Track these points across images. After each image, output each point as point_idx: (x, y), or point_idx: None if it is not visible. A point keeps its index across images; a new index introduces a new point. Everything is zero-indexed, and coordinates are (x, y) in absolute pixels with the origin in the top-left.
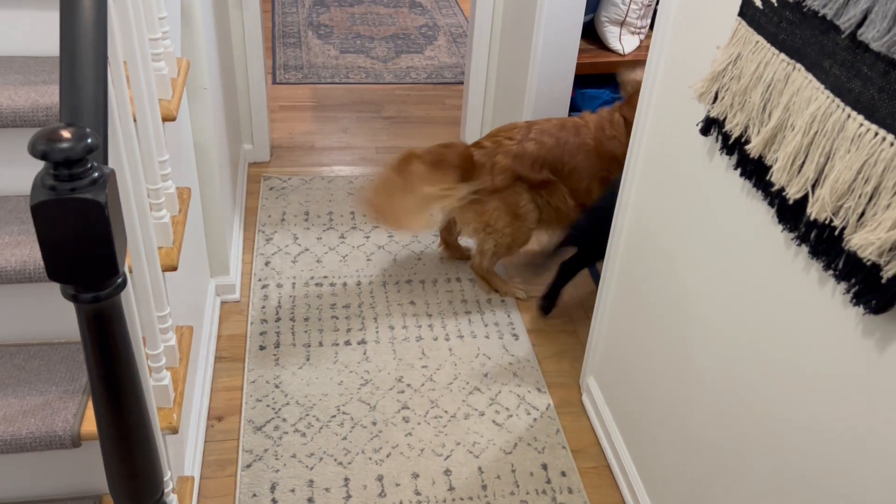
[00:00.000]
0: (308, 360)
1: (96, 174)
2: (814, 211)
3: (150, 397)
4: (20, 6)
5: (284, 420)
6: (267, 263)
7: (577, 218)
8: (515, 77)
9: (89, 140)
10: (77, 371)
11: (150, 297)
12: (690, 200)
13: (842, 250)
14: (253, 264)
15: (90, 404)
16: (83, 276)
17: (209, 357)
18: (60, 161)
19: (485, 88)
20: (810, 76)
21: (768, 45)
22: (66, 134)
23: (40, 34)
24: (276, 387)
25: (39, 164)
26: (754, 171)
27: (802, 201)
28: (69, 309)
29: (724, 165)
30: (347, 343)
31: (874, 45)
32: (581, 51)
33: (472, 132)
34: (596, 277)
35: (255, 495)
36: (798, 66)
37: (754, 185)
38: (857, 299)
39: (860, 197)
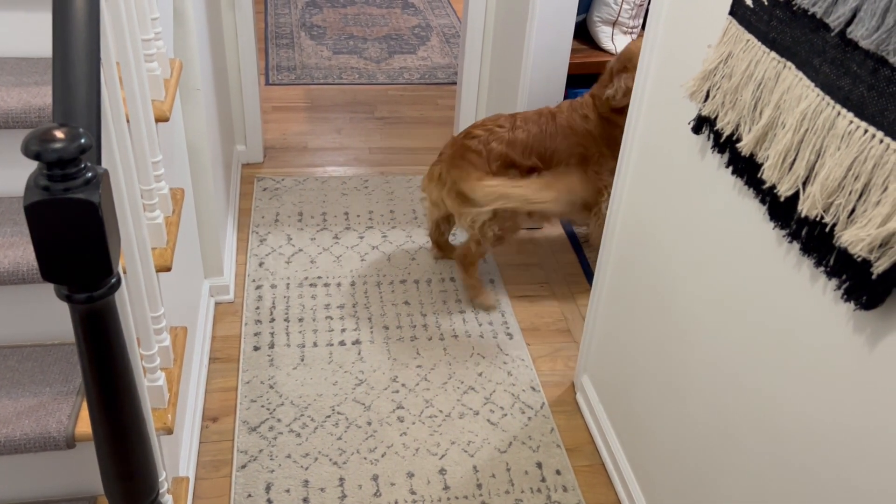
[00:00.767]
0: (302, 360)
1: (90, 174)
2: (805, 208)
3: (144, 398)
4: (11, 7)
5: (279, 420)
6: (261, 264)
7: None
8: (508, 77)
9: (82, 140)
10: (71, 372)
11: (144, 298)
12: (683, 198)
13: (833, 247)
14: (247, 265)
15: (84, 405)
16: (77, 276)
17: (203, 358)
18: (54, 161)
19: (478, 88)
20: (800, 74)
21: (759, 43)
22: (59, 134)
23: (32, 35)
24: (271, 387)
25: (31, 166)
26: (746, 168)
27: (793, 198)
28: (62, 310)
29: (715, 163)
30: (342, 343)
31: (863, 43)
32: (574, 51)
33: None
34: (589, 276)
35: (250, 496)
36: (788, 64)
37: (746, 183)
38: (849, 295)
39: (850, 194)
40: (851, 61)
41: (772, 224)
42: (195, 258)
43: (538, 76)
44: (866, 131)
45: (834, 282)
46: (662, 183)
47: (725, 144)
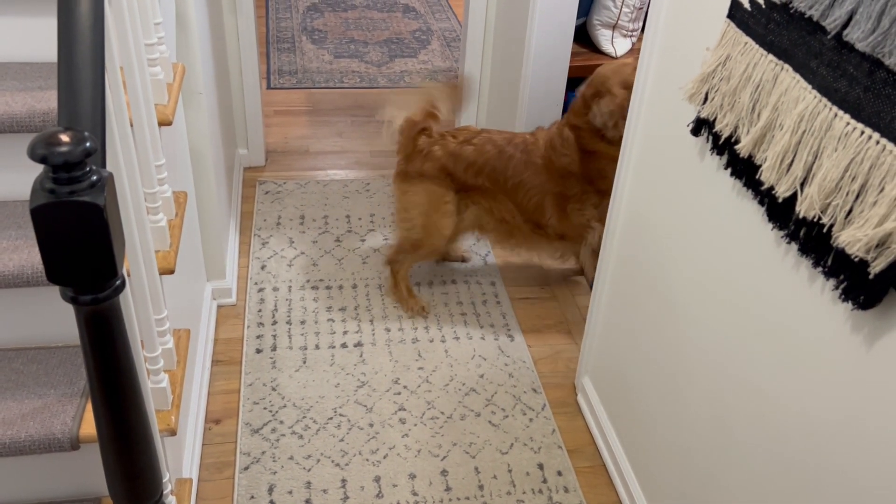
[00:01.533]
0: (305, 362)
1: (95, 177)
2: (802, 209)
3: (148, 399)
4: (15, 13)
5: (282, 422)
6: (263, 267)
7: None
8: (509, 80)
9: (88, 144)
10: (75, 374)
11: (148, 300)
12: (682, 200)
13: (830, 247)
14: (249, 268)
15: (89, 407)
16: (82, 278)
17: (206, 360)
18: (59, 164)
19: (478, 92)
20: (798, 76)
21: (757, 46)
22: (64, 138)
23: (36, 41)
24: (273, 389)
25: (36, 170)
26: (744, 170)
27: (791, 200)
28: (66, 313)
29: (714, 165)
30: (344, 345)
31: (859, 46)
32: (573, 54)
33: None
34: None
35: (252, 497)
36: (786, 66)
37: (744, 185)
38: (846, 295)
39: (848, 194)
40: (848, 64)
41: (770, 225)
42: (198, 261)
43: (538, 79)
44: (863, 133)
45: (832, 282)
46: (661, 184)
47: (724, 146)
